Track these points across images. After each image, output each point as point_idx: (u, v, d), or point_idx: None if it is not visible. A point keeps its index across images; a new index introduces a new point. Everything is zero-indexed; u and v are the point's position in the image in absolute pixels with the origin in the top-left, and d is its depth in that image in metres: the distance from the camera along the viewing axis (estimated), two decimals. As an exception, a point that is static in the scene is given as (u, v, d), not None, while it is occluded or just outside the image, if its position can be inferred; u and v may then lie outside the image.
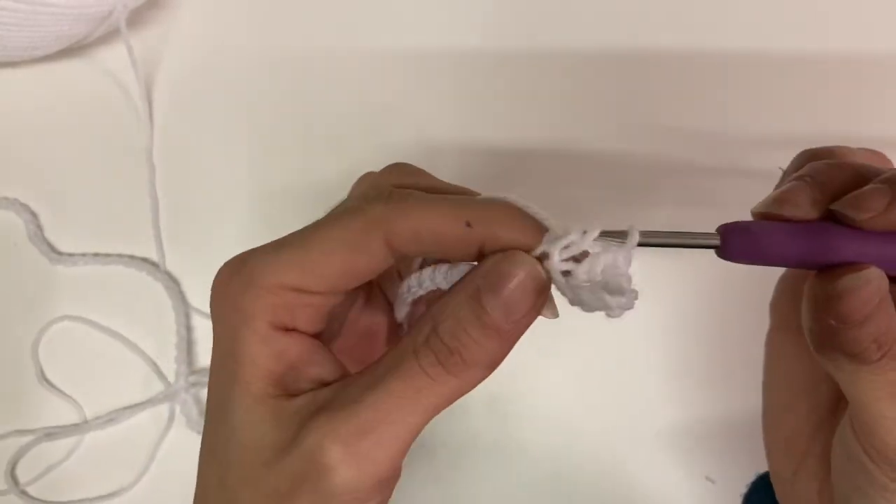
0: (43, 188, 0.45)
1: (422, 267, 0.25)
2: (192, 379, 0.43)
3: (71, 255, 0.44)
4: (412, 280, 0.25)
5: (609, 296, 0.23)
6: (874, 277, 0.23)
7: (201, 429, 0.43)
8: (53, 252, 0.44)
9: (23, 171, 0.45)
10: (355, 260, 0.23)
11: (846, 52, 0.46)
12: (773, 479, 0.30)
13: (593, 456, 0.43)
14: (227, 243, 0.45)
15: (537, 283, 0.22)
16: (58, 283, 0.44)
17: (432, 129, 0.45)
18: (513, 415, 0.43)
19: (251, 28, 0.47)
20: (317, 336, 0.25)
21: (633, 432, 0.43)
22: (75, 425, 0.43)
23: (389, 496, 0.24)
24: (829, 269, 0.23)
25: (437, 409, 0.22)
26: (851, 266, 0.23)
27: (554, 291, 0.23)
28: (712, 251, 0.25)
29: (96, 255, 0.44)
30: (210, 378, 0.25)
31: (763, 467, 0.31)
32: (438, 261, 0.25)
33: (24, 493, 0.43)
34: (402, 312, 0.27)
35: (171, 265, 0.44)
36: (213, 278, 0.24)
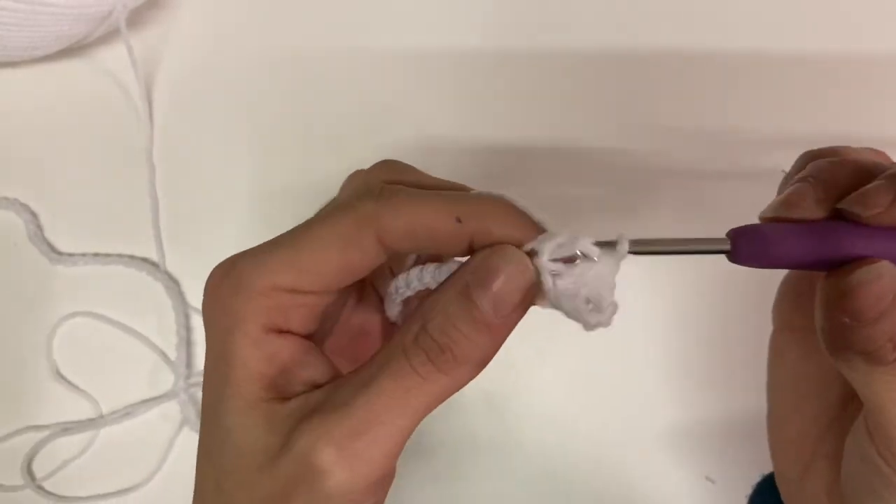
0: (43, 188, 0.45)
1: (415, 265, 0.25)
2: (191, 380, 0.43)
3: (71, 255, 0.44)
4: (400, 280, 0.25)
5: (587, 310, 0.23)
6: (887, 271, 0.23)
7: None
8: (53, 252, 0.44)
9: (23, 171, 0.45)
10: (348, 257, 0.23)
11: (846, 52, 0.46)
12: (778, 480, 0.30)
13: (592, 455, 0.43)
14: (227, 243, 0.44)
15: (527, 277, 0.22)
16: (58, 283, 0.44)
17: (432, 129, 0.45)
18: (511, 413, 0.43)
19: (251, 28, 0.47)
20: (309, 336, 0.25)
21: (633, 432, 0.43)
22: (91, 420, 0.43)
23: (384, 497, 0.24)
24: (841, 268, 0.23)
25: (430, 408, 0.22)
26: (863, 261, 0.23)
27: None
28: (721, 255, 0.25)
29: (96, 255, 0.44)
30: (203, 381, 0.25)
31: (764, 467, 0.31)
32: (430, 258, 0.25)
33: (40, 488, 0.43)
34: (394, 311, 0.27)
35: (171, 265, 0.44)
36: (205, 281, 0.24)
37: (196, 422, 0.43)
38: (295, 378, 0.23)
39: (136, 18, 0.45)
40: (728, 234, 0.25)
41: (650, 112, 0.46)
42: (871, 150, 0.28)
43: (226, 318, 0.23)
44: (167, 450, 0.43)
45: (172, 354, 0.44)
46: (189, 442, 0.43)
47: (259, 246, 0.24)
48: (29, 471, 0.43)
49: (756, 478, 0.38)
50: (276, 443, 0.22)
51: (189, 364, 0.44)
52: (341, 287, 0.24)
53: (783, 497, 0.30)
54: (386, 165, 0.26)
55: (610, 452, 0.43)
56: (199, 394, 0.44)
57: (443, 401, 0.23)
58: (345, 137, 0.45)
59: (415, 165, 0.44)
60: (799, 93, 0.46)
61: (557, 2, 0.47)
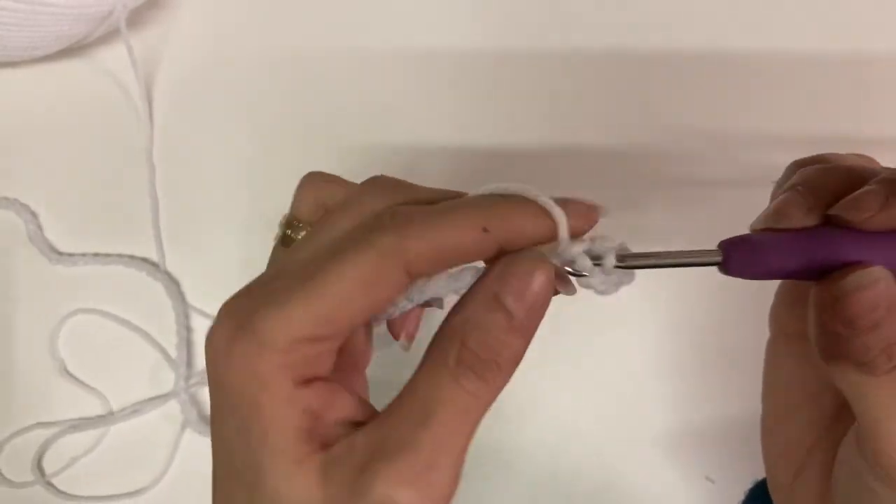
0: (43, 188, 0.45)
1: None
2: (192, 381, 0.43)
3: (71, 255, 0.44)
4: (413, 291, 0.24)
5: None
6: (882, 276, 0.22)
7: (201, 430, 0.43)
8: (53, 252, 0.44)
9: (23, 171, 0.45)
10: (374, 296, 0.22)
11: (846, 52, 0.46)
12: (770, 486, 0.30)
13: (593, 456, 0.43)
14: (227, 243, 0.45)
15: (551, 277, 0.22)
16: (58, 283, 0.44)
17: (432, 129, 0.45)
18: (512, 415, 0.43)
19: (251, 28, 0.47)
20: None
21: (633, 432, 0.43)
22: (101, 417, 0.43)
23: None
24: (834, 274, 0.23)
25: (481, 420, 0.23)
26: (856, 266, 0.23)
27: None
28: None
29: (96, 255, 0.44)
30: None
31: (763, 469, 0.31)
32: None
33: (49, 484, 0.43)
34: (380, 319, 0.27)
35: (171, 265, 0.44)
36: (209, 340, 0.23)
37: (197, 422, 0.43)
38: (330, 422, 0.23)
39: (136, 18, 0.45)
40: (719, 246, 0.24)
41: (650, 112, 0.46)
42: (858, 155, 0.28)
43: (251, 381, 0.22)
44: (173, 450, 0.43)
45: (173, 354, 0.44)
46: (193, 442, 0.43)
47: (268, 291, 0.22)
48: (39, 467, 0.43)
49: (755, 478, 0.38)
50: (340, 494, 0.21)
51: (190, 364, 0.44)
52: (365, 322, 0.24)
53: (775, 503, 0.30)
54: (378, 185, 0.25)
55: (610, 453, 0.43)
56: (199, 394, 0.44)
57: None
58: (345, 137, 0.45)
59: (415, 165, 0.44)
60: (799, 93, 0.46)
61: (557, 2, 0.47)
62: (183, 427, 0.43)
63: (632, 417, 0.43)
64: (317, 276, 0.21)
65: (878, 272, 0.22)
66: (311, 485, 0.22)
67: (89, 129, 0.45)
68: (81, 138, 0.45)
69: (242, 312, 0.22)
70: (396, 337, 0.28)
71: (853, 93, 0.46)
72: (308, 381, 0.22)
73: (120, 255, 0.44)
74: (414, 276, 0.22)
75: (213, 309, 0.44)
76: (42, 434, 0.43)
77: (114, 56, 0.45)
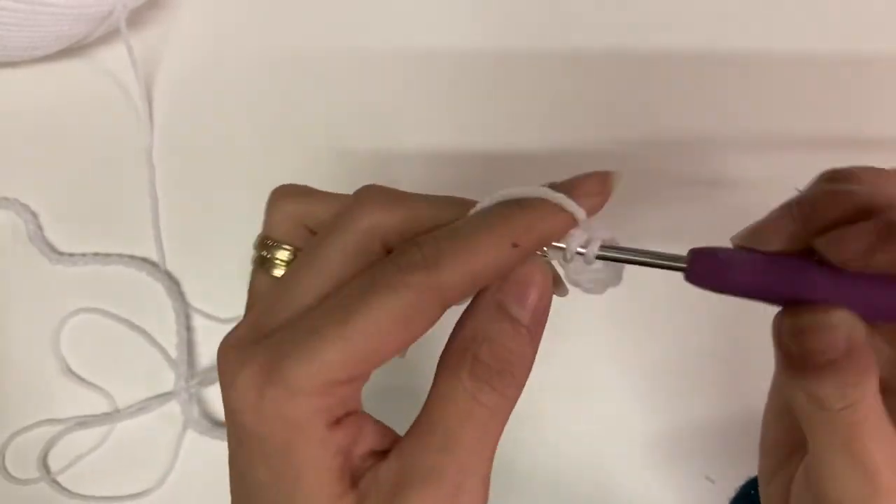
0: (43, 188, 0.45)
1: None
2: (194, 381, 0.43)
3: (71, 255, 0.44)
4: None
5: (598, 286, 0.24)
6: (843, 322, 0.21)
7: (202, 429, 0.43)
8: (53, 252, 0.44)
9: (23, 171, 0.45)
10: (411, 333, 0.22)
11: (846, 52, 0.46)
12: (759, 481, 0.30)
13: (593, 456, 0.43)
14: (227, 243, 0.45)
15: (550, 278, 0.23)
16: (58, 283, 0.44)
17: (432, 129, 0.45)
18: (512, 416, 0.43)
19: (251, 28, 0.47)
20: None
21: (633, 432, 0.43)
22: (107, 414, 0.43)
23: None
24: (799, 306, 0.22)
25: (501, 433, 0.23)
26: (821, 306, 0.22)
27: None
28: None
29: (96, 254, 0.44)
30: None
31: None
32: None
33: (54, 482, 0.43)
34: None
35: (171, 265, 0.44)
36: (232, 386, 0.22)
37: (198, 421, 0.43)
38: (358, 456, 0.23)
39: (136, 18, 0.45)
40: (688, 254, 0.23)
41: (650, 112, 0.46)
42: None
43: (284, 428, 0.21)
44: (175, 448, 0.43)
45: (173, 354, 0.44)
46: (194, 441, 0.43)
47: (295, 335, 0.22)
48: (44, 464, 0.43)
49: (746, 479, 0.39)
50: None
51: (190, 364, 0.44)
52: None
53: (760, 495, 0.30)
54: (373, 198, 0.24)
55: (610, 453, 0.43)
56: (201, 393, 0.44)
57: None
58: (344, 137, 0.45)
59: (415, 166, 0.44)
60: (799, 93, 0.46)
61: (557, 2, 0.47)
62: (184, 427, 0.43)
63: (632, 417, 0.43)
64: (350, 319, 0.21)
65: (840, 318, 0.21)
66: None
67: (89, 129, 0.45)
68: (81, 138, 0.45)
69: (269, 359, 0.21)
70: None
71: (853, 93, 0.46)
72: (340, 420, 0.22)
73: (120, 255, 0.44)
74: (449, 306, 0.22)
75: (214, 309, 0.44)
76: (48, 431, 0.43)
77: (114, 56, 0.45)
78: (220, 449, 0.43)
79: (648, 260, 0.23)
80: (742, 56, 0.46)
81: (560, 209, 0.23)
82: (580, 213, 0.23)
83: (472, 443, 0.22)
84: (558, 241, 0.23)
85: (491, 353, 0.22)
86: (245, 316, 0.25)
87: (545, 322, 0.23)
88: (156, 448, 0.43)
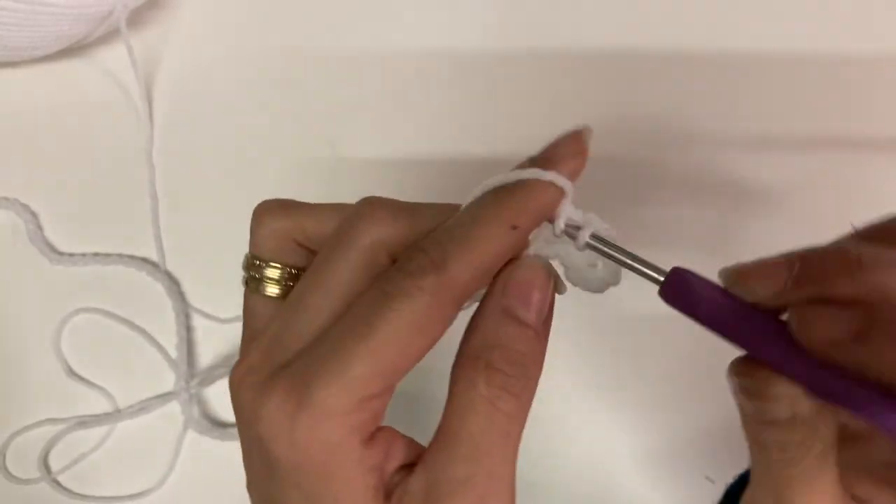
0: (43, 188, 0.45)
1: None
2: (195, 381, 0.43)
3: (71, 255, 0.44)
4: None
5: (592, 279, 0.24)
6: (786, 396, 0.21)
7: (202, 429, 0.43)
8: (53, 252, 0.44)
9: (23, 171, 0.45)
10: (432, 336, 0.22)
11: (847, 52, 0.46)
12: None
13: (593, 456, 0.43)
14: (227, 243, 0.44)
15: (549, 274, 0.23)
16: (58, 283, 0.44)
17: (432, 129, 0.45)
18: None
19: (251, 28, 0.47)
20: None
21: (633, 432, 0.43)
22: (108, 414, 0.43)
23: None
24: (752, 361, 0.22)
25: (521, 436, 0.23)
26: (767, 374, 0.21)
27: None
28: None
29: (96, 254, 0.44)
30: None
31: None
32: None
33: (55, 481, 0.43)
34: None
35: (171, 265, 0.44)
36: (258, 417, 0.22)
37: (199, 421, 0.43)
38: (389, 469, 0.23)
39: (136, 18, 0.45)
40: (669, 271, 0.23)
41: (650, 113, 0.46)
42: None
43: (320, 453, 0.21)
44: (176, 448, 0.43)
45: (173, 354, 0.44)
46: (195, 442, 0.43)
47: (317, 357, 0.22)
48: (45, 464, 0.43)
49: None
50: None
51: (190, 363, 0.44)
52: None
53: None
54: (375, 211, 0.24)
55: (610, 453, 0.43)
56: (201, 393, 0.44)
57: None
58: (345, 137, 0.45)
59: (415, 165, 0.44)
60: (798, 93, 0.46)
61: (557, 2, 0.47)
62: (185, 427, 0.43)
63: (632, 417, 0.43)
64: (372, 332, 0.21)
65: (782, 392, 0.21)
66: None
67: (89, 128, 0.45)
68: (81, 138, 0.45)
69: (295, 384, 0.21)
70: None
71: (853, 93, 0.46)
72: (373, 436, 0.22)
73: (120, 255, 0.44)
74: (463, 302, 0.22)
75: (214, 309, 0.44)
76: (48, 431, 0.43)
77: (114, 56, 0.45)
78: (220, 449, 0.43)
79: (631, 263, 0.23)
80: (742, 56, 0.46)
81: (548, 183, 0.23)
82: (562, 180, 0.23)
83: (497, 449, 0.22)
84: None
85: (503, 359, 0.22)
86: (249, 342, 0.25)
87: (551, 321, 0.23)
88: (156, 448, 0.43)
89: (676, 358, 0.43)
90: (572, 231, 0.23)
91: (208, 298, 0.44)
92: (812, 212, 0.44)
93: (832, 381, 0.20)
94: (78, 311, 0.44)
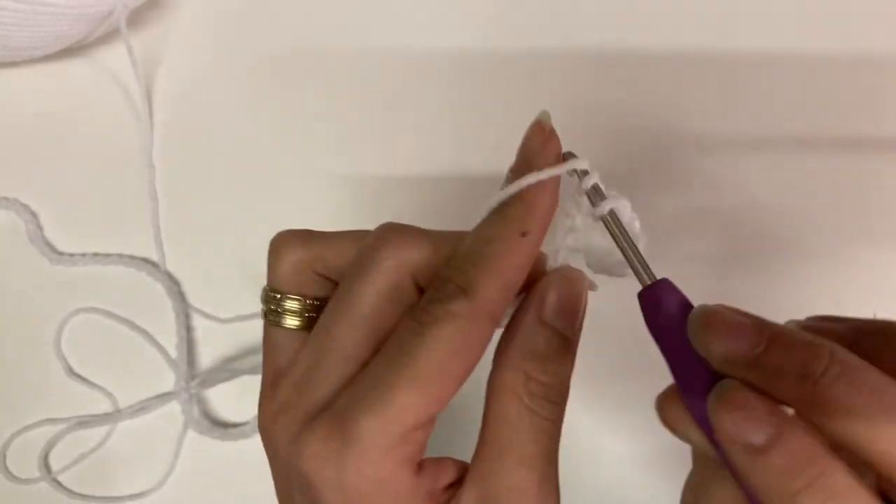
0: (43, 188, 0.45)
1: None
2: (194, 382, 0.43)
3: (71, 255, 0.44)
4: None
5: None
6: (695, 440, 0.23)
7: (202, 429, 0.43)
8: (53, 252, 0.44)
9: (23, 171, 0.45)
10: (473, 358, 0.22)
11: (846, 52, 0.46)
12: None
13: (593, 456, 0.43)
14: (227, 243, 0.45)
15: (585, 284, 0.24)
16: (58, 283, 0.44)
17: (432, 128, 0.45)
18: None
19: (251, 28, 0.47)
20: None
21: (633, 432, 0.43)
22: (108, 414, 0.43)
23: None
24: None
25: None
26: (678, 417, 0.24)
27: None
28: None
29: (96, 255, 0.44)
30: None
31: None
32: None
33: (55, 481, 0.43)
34: None
35: (171, 265, 0.44)
36: (300, 457, 0.21)
37: (199, 421, 0.43)
38: (439, 490, 0.23)
39: (136, 18, 0.45)
40: (658, 281, 0.23)
41: (650, 113, 0.46)
42: None
43: (372, 490, 0.21)
44: (176, 448, 0.43)
45: (173, 354, 0.44)
46: (195, 442, 0.43)
47: (357, 391, 0.21)
48: (45, 464, 0.43)
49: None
50: None
51: (190, 363, 0.44)
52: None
53: None
54: (396, 238, 0.23)
55: (611, 452, 0.43)
56: (201, 393, 0.44)
57: None
58: (345, 138, 0.45)
59: (415, 165, 0.44)
60: (799, 93, 0.46)
61: (558, 3, 0.47)
62: (185, 427, 0.43)
63: (632, 416, 0.43)
64: (412, 361, 0.21)
65: (695, 439, 0.23)
66: None
67: (89, 128, 0.45)
68: (81, 138, 0.45)
69: (338, 421, 0.21)
70: None
71: (853, 93, 0.46)
72: (421, 464, 0.22)
73: (120, 255, 0.44)
74: (497, 321, 0.22)
75: (214, 309, 0.44)
76: (49, 431, 0.43)
77: (114, 56, 0.45)
78: (220, 449, 0.43)
79: (629, 254, 0.24)
80: (742, 56, 0.46)
81: (541, 184, 0.23)
82: (546, 172, 0.23)
83: (546, 455, 0.23)
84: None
85: (542, 369, 0.23)
86: (275, 377, 0.24)
87: (582, 324, 0.23)
88: (156, 448, 0.43)
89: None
90: (595, 198, 0.24)
91: (208, 298, 0.44)
92: (812, 212, 0.44)
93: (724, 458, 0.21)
94: (78, 311, 0.44)
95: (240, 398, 0.44)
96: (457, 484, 0.23)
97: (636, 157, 0.45)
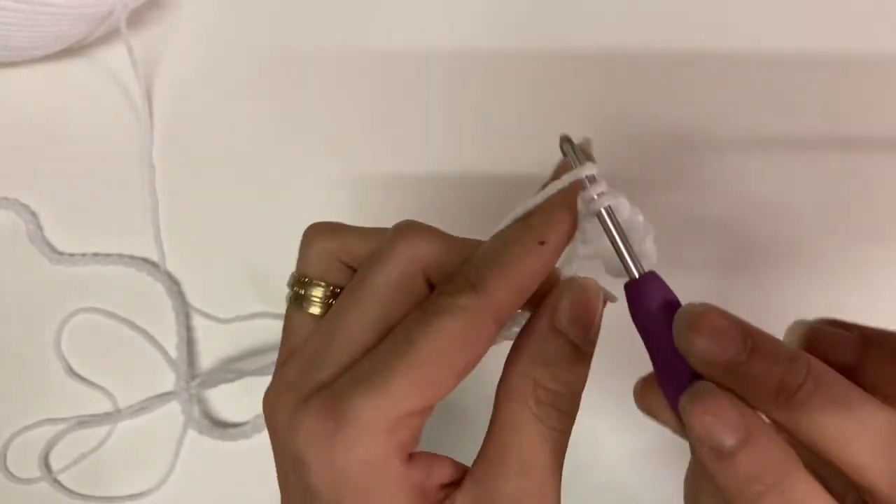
0: (43, 188, 0.45)
1: None
2: (194, 382, 0.43)
3: (71, 255, 0.44)
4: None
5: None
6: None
7: (202, 429, 0.43)
8: (53, 252, 0.44)
9: (23, 171, 0.45)
10: (474, 354, 0.22)
11: (846, 52, 0.46)
12: None
13: (593, 455, 0.43)
14: (227, 243, 0.45)
15: (600, 294, 0.23)
16: (58, 283, 0.44)
17: (432, 128, 0.45)
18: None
19: (251, 28, 0.47)
20: None
21: (633, 431, 0.43)
22: (108, 414, 0.43)
23: None
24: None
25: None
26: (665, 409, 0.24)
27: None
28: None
29: (96, 255, 0.44)
30: None
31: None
32: None
33: (56, 481, 0.43)
34: None
35: (171, 265, 0.44)
36: (296, 435, 0.21)
37: (199, 420, 0.43)
38: (434, 487, 0.23)
39: (136, 18, 0.45)
40: (645, 273, 0.24)
41: (649, 113, 0.46)
42: None
43: (360, 472, 0.21)
44: (177, 448, 0.43)
45: (173, 354, 0.44)
46: (195, 442, 0.43)
47: (357, 375, 0.22)
48: (45, 464, 0.43)
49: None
50: None
51: (190, 363, 0.44)
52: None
53: None
54: (413, 235, 0.24)
55: (611, 452, 0.43)
56: (201, 393, 0.44)
57: None
58: (345, 138, 0.45)
59: (415, 165, 0.44)
60: (799, 93, 0.46)
61: (557, 3, 0.47)
62: (185, 426, 0.43)
63: (633, 417, 0.43)
64: (413, 348, 0.21)
65: (672, 423, 0.23)
66: None
67: (89, 128, 0.45)
68: (81, 138, 0.45)
69: (335, 401, 0.21)
70: None
71: (853, 93, 0.46)
72: (413, 455, 0.22)
73: (120, 255, 0.44)
74: (503, 322, 0.23)
75: (213, 309, 0.44)
76: (49, 431, 0.43)
77: (114, 56, 0.45)
78: (220, 449, 0.43)
79: (618, 246, 0.24)
80: (742, 56, 0.46)
81: (562, 200, 0.23)
82: (581, 172, 0.23)
83: (548, 464, 0.22)
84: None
85: (552, 378, 0.22)
86: (286, 358, 0.25)
87: (597, 335, 0.23)
88: (157, 448, 0.43)
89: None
90: (590, 193, 0.24)
91: (208, 298, 0.44)
92: (812, 212, 0.44)
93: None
94: (78, 311, 0.44)
95: (240, 398, 0.44)
96: (454, 484, 0.23)
97: (636, 158, 0.45)
